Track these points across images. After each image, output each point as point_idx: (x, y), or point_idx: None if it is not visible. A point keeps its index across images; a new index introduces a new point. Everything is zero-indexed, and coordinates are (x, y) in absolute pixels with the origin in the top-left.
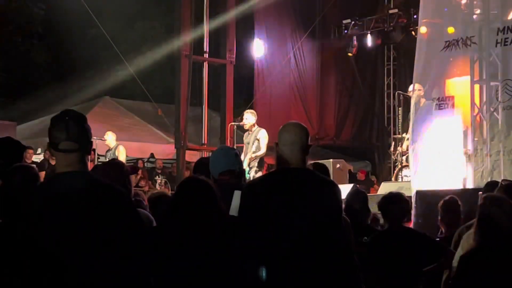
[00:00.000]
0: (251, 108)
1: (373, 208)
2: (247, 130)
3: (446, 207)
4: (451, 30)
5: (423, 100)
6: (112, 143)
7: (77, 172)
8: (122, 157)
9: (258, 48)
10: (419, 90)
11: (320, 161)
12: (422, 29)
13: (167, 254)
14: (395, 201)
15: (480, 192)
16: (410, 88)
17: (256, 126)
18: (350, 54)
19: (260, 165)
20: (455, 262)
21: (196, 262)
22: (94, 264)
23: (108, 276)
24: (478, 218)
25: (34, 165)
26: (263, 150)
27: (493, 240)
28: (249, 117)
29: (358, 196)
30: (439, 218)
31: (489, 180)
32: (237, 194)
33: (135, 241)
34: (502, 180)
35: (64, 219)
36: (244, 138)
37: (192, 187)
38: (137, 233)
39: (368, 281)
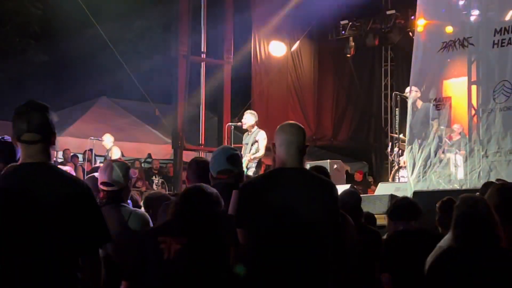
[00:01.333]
0: (248, 108)
1: (371, 209)
2: (246, 130)
3: (443, 208)
4: (449, 30)
5: (420, 102)
6: (108, 145)
7: (39, 163)
8: (114, 158)
9: (256, 49)
10: (416, 91)
11: (318, 162)
12: (419, 30)
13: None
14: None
15: (477, 193)
16: (407, 90)
17: (255, 127)
18: (347, 55)
19: (258, 166)
20: None
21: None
22: (46, 253)
23: (57, 266)
24: (454, 219)
25: None
26: (261, 152)
27: (468, 240)
28: (248, 117)
29: (351, 196)
30: (437, 219)
31: (486, 181)
32: (235, 194)
33: (92, 232)
34: (497, 180)
35: (22, 209)
36: (243, 139)
37: (199, 200)
38: (95, 224)
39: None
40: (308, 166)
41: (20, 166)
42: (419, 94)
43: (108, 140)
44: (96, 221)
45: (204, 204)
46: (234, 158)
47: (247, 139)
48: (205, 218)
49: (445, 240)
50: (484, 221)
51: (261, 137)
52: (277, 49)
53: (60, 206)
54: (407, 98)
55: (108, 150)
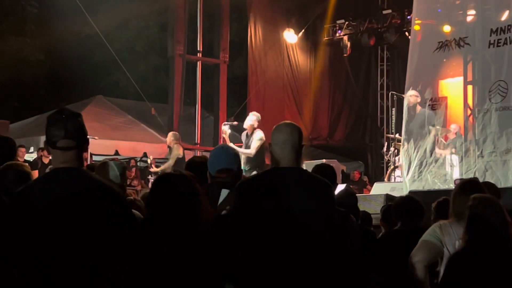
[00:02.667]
0: (244, 108)
1: (367, 208)
2: (242, 130)
3: (439, 208)
4: (445, 30)
5: (419, 108)
6: (171, 143)
7: (74, 168)
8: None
9: (252, 48)
10: (416, 96)
11: (313, 162)
12: (416, 30)
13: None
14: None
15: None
16: (409, 93)
17: (257, 130)
18: (343, 54)
19: (258, 166)
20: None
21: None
22: (84, 260)
23: (95, 273)
24: (468, 219)
25: (27, 164)
26: (251, 150)
27: (483, 241)
28: (250, 119)
29: (348, 196)
30: (432, 219)
31: (482, 180)
32: (224, 193)
33: (127, 240)
34: (455, 180)
35: (60, 214)
36: (243, 140)
37: (168, 182)
38: (130, 232)
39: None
40: (304, 165)
41: (56, 171)
42: (419, 99)
43: (169, 138)
44: (128, 228)
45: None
46: (233, 157)
47: (246, 140)
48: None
49: (427, 235)
50: (498, 223)
51: (256, 137)
52: (273, 48)
53: (95, 212)
54: (403, 97)
55: (169, 147)
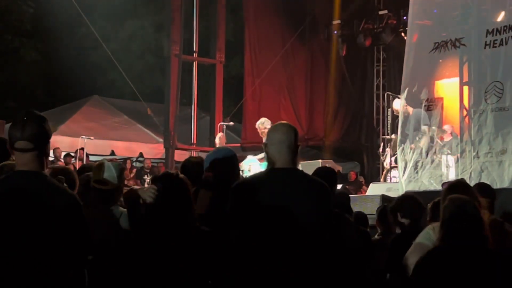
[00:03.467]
0: (240, 108)
1: (363, 209)
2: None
3: (435, 208)
4: (441, 30)
5: (410, 109)
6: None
7: (31, 171)
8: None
9: (248, 48)
10: (405, 106)
11: (309, 162)
12: (412, 31)
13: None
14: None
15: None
16: (394, 105)
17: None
18: (339, 55)
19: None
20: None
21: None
22: (31, 263)
23: (43, 277)
24: (442, 220)
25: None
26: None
27: (454, 242)
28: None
29: (340, 196)
30: (428, 219)
31: (477, 181)
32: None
33: (76, 246)
34: (443, 184)
35: (9, 216)
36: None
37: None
38: (80, 237)
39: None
40: (300, 166)
41: (13, 174)
42: (407, 107)
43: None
44: (82, 235)
45: None
46: (225, 159)
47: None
48: None
49: (420, 237)
50: (472, 222)
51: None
52: (270, 48)
53: (48, 216)
54: (399, 98)
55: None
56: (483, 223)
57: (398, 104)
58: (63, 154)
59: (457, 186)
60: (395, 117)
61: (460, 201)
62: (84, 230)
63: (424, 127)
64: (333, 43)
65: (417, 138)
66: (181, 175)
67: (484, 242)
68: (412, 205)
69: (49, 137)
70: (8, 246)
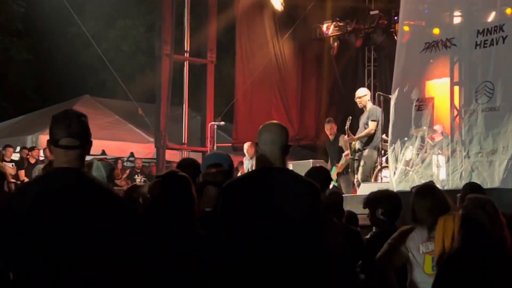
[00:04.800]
0: (231, 108)
1: (354, 208)
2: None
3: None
4: (432, 31)
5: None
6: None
7: (74, 168)
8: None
9: (239, 48)
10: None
11: (300, 162)
12: (403, 31)
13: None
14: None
15: (458, 194)
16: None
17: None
18: (331, 55)
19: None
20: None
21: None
22: (83, 260)
23: (97, 274)
24: (462, 220)
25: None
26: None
27: (476, 242)
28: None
29: (333, 196)
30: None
31: (467, 181)
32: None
33: (126, 240)
34: (412, 188)
35: (56, 214)
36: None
37: (172, 181)
38: (129, 232)
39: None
40: (290, 166)
41: (57, 170)
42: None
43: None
44: (126, 228)
45: None
46: (225, 156)
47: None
48: None
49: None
50: (491, 223)
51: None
52: (261, 48)
53: (93, 213)
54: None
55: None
56: (503, 225)
57: (363, 92)
58: None
59: (425, 189)
60: (386, 117)
61: (480, 201)
62: (131, 222)
63: (416, 128)
64: (324, 43)
65: (405, 138)
66: (183, 174)
67: (504, 242)
68: (395, 206)
69: (91, 135)
70: (58, 245)
